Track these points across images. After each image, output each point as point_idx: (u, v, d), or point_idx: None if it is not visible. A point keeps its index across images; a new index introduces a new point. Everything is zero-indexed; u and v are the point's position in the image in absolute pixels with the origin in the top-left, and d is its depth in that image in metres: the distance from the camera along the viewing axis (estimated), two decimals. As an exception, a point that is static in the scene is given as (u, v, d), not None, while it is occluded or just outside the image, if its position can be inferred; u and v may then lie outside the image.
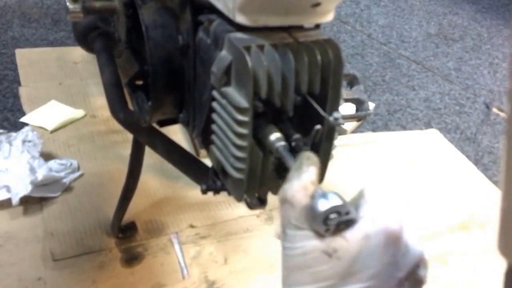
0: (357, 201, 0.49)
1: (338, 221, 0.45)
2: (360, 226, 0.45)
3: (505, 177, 0.38)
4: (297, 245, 0.47)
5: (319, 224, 0.45)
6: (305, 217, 0.46)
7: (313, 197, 0.47)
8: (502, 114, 2.17)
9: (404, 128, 1.99)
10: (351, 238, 0.45)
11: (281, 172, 0.66)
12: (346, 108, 1.85)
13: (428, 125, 2.03)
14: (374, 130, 1.92)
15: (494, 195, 1.63)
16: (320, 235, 0.46)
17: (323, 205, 0.45)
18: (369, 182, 0.50)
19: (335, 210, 0.45)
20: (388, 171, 1.68)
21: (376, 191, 0.49)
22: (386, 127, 1.97)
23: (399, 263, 0.45)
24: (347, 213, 0.46)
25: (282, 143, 0.58)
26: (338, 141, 0.66)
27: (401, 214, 0.46)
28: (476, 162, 1.83)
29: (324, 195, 0.46)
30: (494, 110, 2.20)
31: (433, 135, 1.95)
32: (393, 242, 0.45)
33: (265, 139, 0.60)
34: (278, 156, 0.58)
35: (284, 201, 0.48)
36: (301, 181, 0.49)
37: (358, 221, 0.46)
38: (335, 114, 0.60)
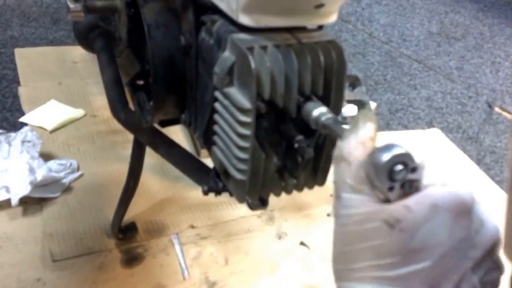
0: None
1: (403, 176, 0.39)
2: (427, 192, 0.39)
3: (511, 181, 0.37)
4: (354, 211, 0.41)
5: (383, 179, 0.39)
6: (365, 175, 0.40)
7: (373, 151, 0.40)
8: (504, 113, 2.16)
9: (405, 127, 1.98)
10: (417, 207, 0.38)
11: (283, 174, 0.65)
12: (348, 109, 1.85)
13: (430, 125, 2.02)
14: (375, 130, 1.91)
15: (496, 195, 1.63)
16: (381, 197, 0.40)
17: (387, 155, 0.39)
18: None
19: (401, 159, 0.39)
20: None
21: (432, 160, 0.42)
22: (387, 127, 1.96)
23: (473, 240, 0.39)
24: (414, 170, 0.39)
25: (329, 115, 0.54)
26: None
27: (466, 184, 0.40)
28: (478, 162, 1.83)
29: (387, 146, 0.39)
30: (496, 109, 2.19)
31: (435, 134, 1.95)
32: (466, 213, 0.38)
33: (309, 117, 0.56)
34: (327, 132, 0.53)
35: (340, 160, 0.43)
36: (359, 137, 0.42)
37: (424, 186, 0.40)
38: (338, 117, 0.59)
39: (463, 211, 0.38)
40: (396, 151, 0.39)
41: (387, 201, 0.40)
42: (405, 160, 0.39)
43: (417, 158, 0.40)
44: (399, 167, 0.39)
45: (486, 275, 0.40)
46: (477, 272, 0.39)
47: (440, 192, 0.39)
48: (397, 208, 0.39)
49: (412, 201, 0.39)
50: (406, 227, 0.38)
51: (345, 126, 0.48)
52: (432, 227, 0.38)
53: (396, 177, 0.39)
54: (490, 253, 0.40)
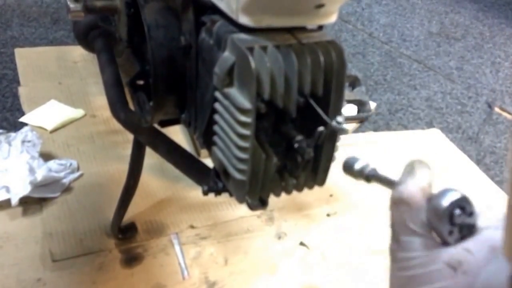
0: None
1: (462, 220, 0.41)
2: (485, 235, 0.40)
3: (511, 181, 0.36)
4: (415, 254, 0.41)
5: (445, 223, 0.40)
6: (425, 219, 0.42)
7: (433, 196, 0.42)
8: (504, 114, 2.16)
9: (405, 127, 1.98)
10: (477, 249, 0.39)
11: (283, 174, 0.65)
12: (348, 109, 1.85)
13: (429, 125, 2.02)
14: (375, 130, 1.92)
15: (496, 195, 1.63)
16: (442, 240, 0.41)
17: (447, 200, 0.41)
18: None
19: (460, 203, 0.41)
20: (389, 171, 1.67)
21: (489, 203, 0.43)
22: (387, 127, 1.96)
23: None
24: (471, 214, 0.41)
25: (373, 167, 0.54)
26: (340, 141, 0.66)
27: None
28: (478, 162, 1.83)
29: (446, 191, 0.42)
30: (496, 109, 2.19)
31: (435, 134, 1.94)
32: None
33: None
34: (378, 182, 0.53)
35: (399, 203, 0.44)
36: (418, 181, 0.44)
37: (480, 229, 0.41)
38: (338, 118, 0.60)
39: None
40: (455, 196, 0.41)
41: (445, 244, 0.41)
42: (463, 204, 0.41)
43: (473, 202, 0.42)
44: (458, 211, 0.41)
45: None
46: None
47: (498, 235, 0.39)
48: (458, 251, 0.40)
49: (472, 244, 0.40)
50: (469, 270, 0.38)
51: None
52: (492, 268, 0.38)
53: (455, 221, 0.41)
54: None
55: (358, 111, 1.89)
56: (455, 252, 0.39)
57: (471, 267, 0.38)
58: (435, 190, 0.43)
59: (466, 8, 3.18)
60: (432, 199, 0.42)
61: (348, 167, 0.55)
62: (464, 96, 2.27)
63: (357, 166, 0.54)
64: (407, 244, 0.42)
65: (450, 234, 0.41)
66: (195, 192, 1.40)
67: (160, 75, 0.76)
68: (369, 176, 0.53)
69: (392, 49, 2.57)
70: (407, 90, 2.24)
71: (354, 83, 1.85)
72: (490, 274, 0.38)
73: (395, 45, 2.61)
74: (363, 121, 1.83)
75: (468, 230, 0.42)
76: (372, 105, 1.98)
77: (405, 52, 2.56)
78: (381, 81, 2.27)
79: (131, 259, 1.22)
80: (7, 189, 1.27)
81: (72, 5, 0.97)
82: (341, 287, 1.26)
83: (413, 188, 0.43)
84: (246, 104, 0.57)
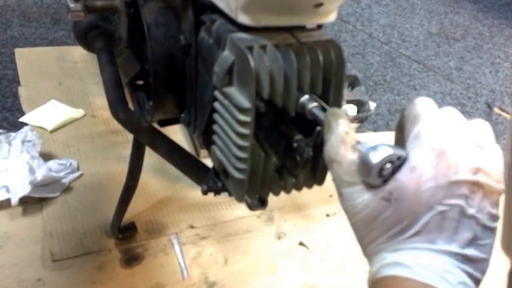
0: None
1: (392, 169, 0.43)
2: (408, 160, 0.43)
3: (509, 178, 0.37)
4: (356, 202, 0.46)
5: (375, 177, 0.44)
6: (356, 171, 0.45)
7: (361, 151, 0.45)
8: (503, 114, 2.16)
9: (405, 128, 1.98)
10: (401, 176, 0.43)
11: (283, 173, 0.65)
12: (348, 109, 1.84)
13: (429, 125, 2.02)
14: (375, 130, 1.92)
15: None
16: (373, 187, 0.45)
17: (375, 157, 0.43)
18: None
19: (388, 160, 0.43)
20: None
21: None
22: (387, 127, 1.96)
23: (455, 180, 0.42)
24: (399, 158, 0.44)
25: (314, 103, 0.56)
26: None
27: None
28: (478, 162, 1.83)
29: (373, 148, 0.44)
30: (496, 110, 2.19)
31: (434, 135, 1.94)
32: (442, 158, 0.42)
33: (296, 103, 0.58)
34: (313, 118, 0.56)
35: (331, 162, 0.48)
36: (336, 136, 0.48)
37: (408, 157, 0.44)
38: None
39: (440, 157, 0.42)
40: (384, 152, 0.43)
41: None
42: (392, 158, 0.43)
43: (401, 151, 0.44)
44: (388, 165, 0.43)
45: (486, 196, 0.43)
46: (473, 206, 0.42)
47: (417, 155, 0.43)
48: (387, 185, 0.44)
49: (397, 174, 0.43)
50: (400, 196, 0.42)
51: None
52: (418, 187, 0.42)
53: (385, 173, 0.44)
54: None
55: (358, 111, 1.89)
56: (386, 185, 0.43)
57: (401, 191, 0.42)
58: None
59: (465, 9, 3.18)
60: (361, 156, 0.45)
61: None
62: (464, 96, 2.27)
63: (303, 99, 0.58)
64: (347, 195, 0.47)
65: (384, 182, 0.44)
66: (195, 192, 1.41)
67: (159, 74, 0.76)
68: (311, 113, 0.57)
69: (391, 50, 2.57)
70: (406, 91, 2.24)
71: (354, 83, 1.85)
72: (419, 191, 0.42)
73: (395, 46, 2.62)
74: (362, 121, 1.83)
75: (399, 167, 0.44)
76: (372, 105, 1.98)
77: (405, 53, 2.56)
78: (381, 82, 2.27)
79: (131, 259, 1.22)
80: (7, 189, 1.27)
81: (72, 5, 0.97)
82: (340, 287, 1.26)
83: (335, 144, 0.48)
84: (246, 103, 0.57)
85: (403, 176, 0.43)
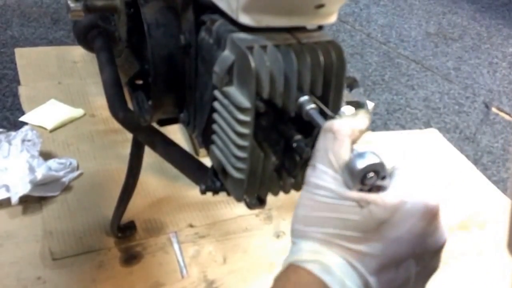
0: (391, 173, 0.47)
1: (373, 183, 0.44)
2: (397, 191, 0.44)
3: None
4: (326, 185, 0.45)
5: (356, 183, 0.44)
6: (342, 165, 0.45)
7: (351, 157, 0.45)
8: (501, 114, 2.17)
9: (403, 127, 1.99)
10: (387, 199, 0.43)
11: (282, 173, 0.66)
12: (346, 110, 1.85)
13: (427, 125, 2.03)
14: (373, 130, 1.92)
15: (493, 195, 1.64)
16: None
17: (361, 163, 0.44)
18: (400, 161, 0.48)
19: (373, 168, 0.44)
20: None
21: (411, 168, 0.47)
22: (385, 127, 1.97)
23: (426, 241, 0.44)
24: (383, 178, 0.44)
25: (312, 105, 0.57)
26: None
27: (438, 193, 0.45)
28: (476, 162, 1.84)
29: (363, 154, 0.44)
30: (494, 109, 2.20)
31: (432, 134, 1.95)
32: (429, 218, 0.43)
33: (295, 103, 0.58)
34: (308, 119, 0.57)
35: (328, 131, 0.47)
36: (353, 122, 0.48)
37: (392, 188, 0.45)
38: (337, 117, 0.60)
39: (428, 216, 0.43)
40: (371, 161, 0.44)
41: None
42: (378, 169, 0.44)
43: (389, 166, 0.45)
44: (371, 174, 0.44)
45: (423, 269, 0.46)
46: (419, 264, 0.45)
47: (410, 195, 0.44)
48: (370, 194, 0.44)
49: (384, 195, 0.44)
50: (375, 212, 0.43)
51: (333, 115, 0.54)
52: (395, 219, 0.43)
53: (367, 182, 0.44)
54: (434, 255, 0.46)
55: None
56: (367, 195, 0.44)
57: (379, 210, 0.43)
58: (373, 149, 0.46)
59: (463, 9, 3.19)
60: (350, 160, 0.45)
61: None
62: (462, 96, 2.28)
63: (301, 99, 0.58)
64: (321, 173, 0.45)
65: (360, 191, 0.44)
66: (194, 191, 1.41)
67: (159, 74, 0.77)
68: (307, 114, 0.57)
69: (390, 50, 2.57)
70: (405, 90, 2.24)
71: (352, 84, 1.85)
72: (393, 222, 0.43)
73: (393, 46, 2.62)
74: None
75: (377, 191, 0.45)
76: (370, 105, 1.99)
77: (403, 53, 2.57)
78: (379, 81, 2.28)
79: (130, 258, 1.23)
80: (7, 188, 1.27)
81: (72, 5, 0.98)
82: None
83: (346, 123, 0.47)
84: (245, 103, 0.58)
85: (389, 202, 0.43)
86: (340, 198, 0.44)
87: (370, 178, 0.44)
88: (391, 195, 0.43)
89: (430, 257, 0.46)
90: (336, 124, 0.47)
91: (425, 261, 0.45)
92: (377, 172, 0.44)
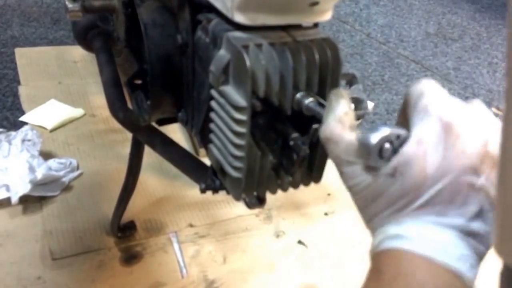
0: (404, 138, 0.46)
1: (392, 148, 0.43)
2: (412, 134, 0.43)
3: (500, 176, 0.37)
4: (359, 180, 0.45)
5: (375, 159, 0.43)
6: (355, 152, 0.45)
7: (360, 133, 0.45)
8: (501, 114, 2.17)
9: (403, 127, 1.98)
10: (407, 149, 0.42)
11: (279, 171, 0.66)
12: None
13: (427, 125, 2.02)
14: (373, 130, 1.92)
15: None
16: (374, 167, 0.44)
17: (373, 138, 0.43)
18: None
19: (386, 139, 0.43)
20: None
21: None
22: (385, 127, 1.97)
23: (464, 150, 0.41)
24: (398, 137, 0.43)
25: (310, 99, 0.57)
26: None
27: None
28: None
29: (371, 129, 0.44)
30: (493, 109, 2.20)
31: (432, 134, 1.95)
32: (450, 130, 0.42)
33: (292, 101, 0.59)
34: (310, 114, 0.57)
35: (327, 141, 0.47)
36: (335, 115, 0.47)
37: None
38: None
39: (447, 130, 0.42)
40: (384, 132, 0.43)
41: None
42: (391, 138, 0.43)
43: (400, 130, 0.44)
44: (387, 145, 0.43)
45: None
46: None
47: (422, 128, 0.43)
48: (392, 160, 0.43)
49: (402, 149, 0.43)
50: (404, 170, 0.42)
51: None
52: (429, 153, 0.41)
53: (384, 154, 0.43)
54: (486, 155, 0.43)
55: (355, 109, 1.89)
56: (389, 163, 0.43)
57: (405, 165, 0.42)
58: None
59: (463, 9, 3.19)
60: (360, 138, 0.44)
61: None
62: (461, 96, 2.28)
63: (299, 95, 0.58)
64: (349, 173, 0.46)
65: (380, 164, 0.44)
66: (193, 190, 1.41)
67: (157, 73, 0.77)
68: (308, 109, 0.57)
69: (389, 50, 2.57)
70: (404, 90, 2.24)
71: (351, 81, 1.85)
72: (420, 165, 0.42)
73: (393, 46, 2.62)
74: (359, 118, 1.84)
75: (401, 146, 0.44)
76: (370, 105, 1.99)
77: (403, 53, 2.57)
78: (379, 81, 2.28)
79: (130, 258, 1.23)
80: (7, 188, 1.28)
81: (70, 5, 0.98)
82: (338, 285, 1.27)
83: (332, 123, 0.47)
84: (242, 101, 0.58)
85: (409, 149, 0.42)
86: (373, 182, 0.44)
87: (387, 149, 0.43)
88: (408, 144, 0.43)
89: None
90: (326, 131, 0.47)
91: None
92: (391, 141, 0.43)
